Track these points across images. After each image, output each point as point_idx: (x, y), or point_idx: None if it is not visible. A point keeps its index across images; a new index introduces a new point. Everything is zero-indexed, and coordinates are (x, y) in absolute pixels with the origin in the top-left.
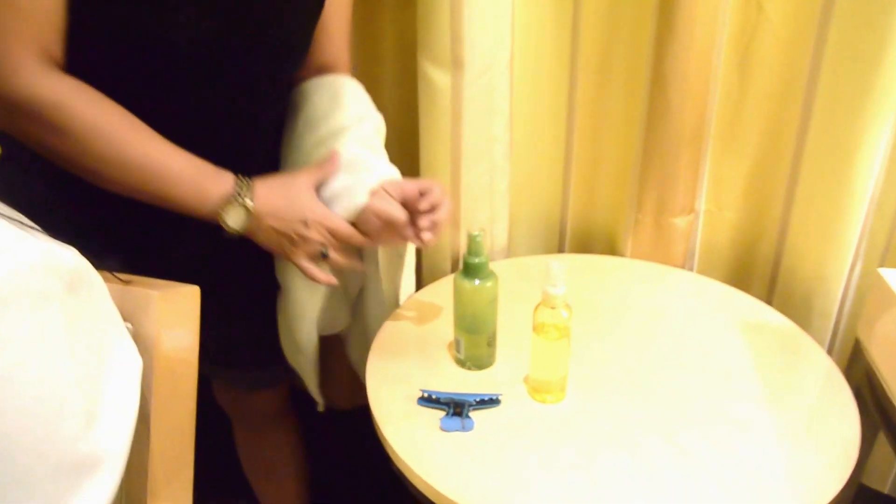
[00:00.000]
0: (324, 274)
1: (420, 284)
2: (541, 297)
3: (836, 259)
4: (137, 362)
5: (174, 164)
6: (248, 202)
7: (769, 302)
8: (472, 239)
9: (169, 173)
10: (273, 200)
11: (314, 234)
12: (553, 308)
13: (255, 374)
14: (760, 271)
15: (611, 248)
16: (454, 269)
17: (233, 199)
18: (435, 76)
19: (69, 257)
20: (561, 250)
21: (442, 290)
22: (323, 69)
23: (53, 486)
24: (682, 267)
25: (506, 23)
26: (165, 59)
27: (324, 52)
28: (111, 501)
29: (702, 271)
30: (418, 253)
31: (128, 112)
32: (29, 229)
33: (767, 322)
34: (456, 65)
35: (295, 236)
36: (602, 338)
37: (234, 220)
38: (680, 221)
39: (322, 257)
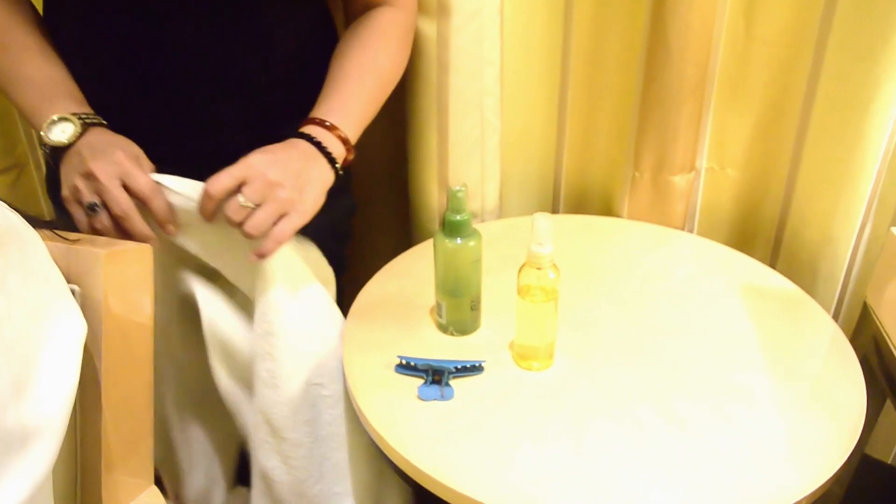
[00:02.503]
0: (86, 221)
1: (407, 246)
2: (526, 258)
3: (844, 220)
4: (81, 327)
5: (34, 73)
6: (69, 130)
7: (773, 265)
8: (452, 195)
9: (23, 82)
10: (95, 139)
11: (101, 174)
12: (539, 269)
13: None
14: (764, 233)
15: (607, 209)
16: None
17: (59, 121)
18: (421, 25)
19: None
20: (555, 210)
21: (427, 252)
22: (371, 4)
23: None
24: (682, 228)
25: None
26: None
27: None
28: (46, 476)
29: (702, 233)
30: (406, 213)
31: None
32: None
33: (771, 286)
34: (442, 10)
35: (85, 171)
36: (595, 302)
37: (54, 134)
38: (679, 180)
39: (90, 208)
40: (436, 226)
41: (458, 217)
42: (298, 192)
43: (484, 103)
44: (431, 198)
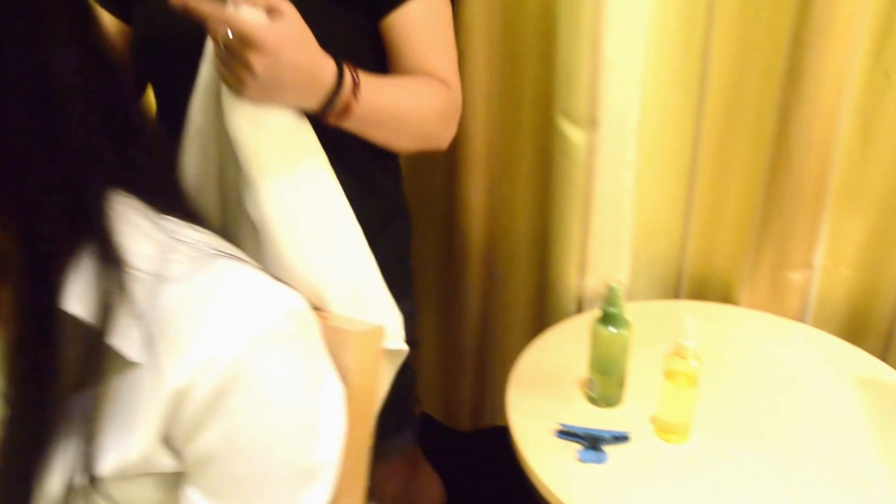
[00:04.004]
0: None
1: (544, 324)
2: (673, 347)
3: None
4: (341, 389)
5: None
6: None
7: (884, 359)
8: (611, 291)
9: None
10: None
11: None
12: (684, 358)
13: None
14: (876, 327)
15: (726, 297)
16: (578, 310)
17: None
18: (571, 133)
19: (299, 301)
20: (677, 296)
21: (569, 330)
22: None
23: (288, 489)
24: (797, 319)
25: (637, 84)
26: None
27: (403, 59)
28: None
29: (816, 325)
30: (543, 294)
31: None
32: (261, 271)
33: (882, 379)
34: (591, 123)
35: None
36: (719, 383)
37: None
38: (796, 276)
39: None
40: (572, 307)
41: (615, 310)
42: (265, 83)
43: (621, 201)
44: (570, 281)
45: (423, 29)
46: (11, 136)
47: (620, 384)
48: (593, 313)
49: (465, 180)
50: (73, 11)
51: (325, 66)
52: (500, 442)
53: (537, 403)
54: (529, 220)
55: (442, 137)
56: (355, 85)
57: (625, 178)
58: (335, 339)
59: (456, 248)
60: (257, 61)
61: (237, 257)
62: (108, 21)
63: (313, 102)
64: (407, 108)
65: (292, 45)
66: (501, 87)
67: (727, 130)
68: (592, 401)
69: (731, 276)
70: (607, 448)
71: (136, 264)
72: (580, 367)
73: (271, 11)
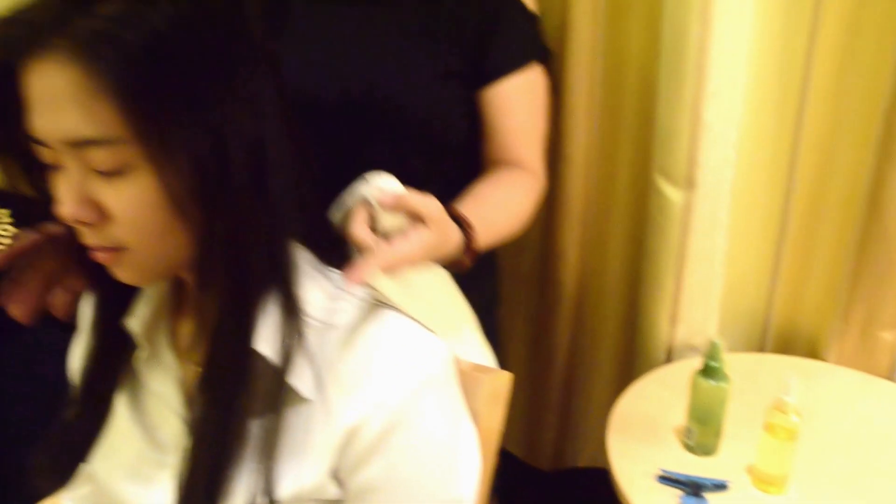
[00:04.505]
0: None
1: (632, 370)
2: (774, 402)
3: None
4: (474, 430)
5: None
6: None
7: None
8: (714, 346)
9: None
10: None
11: None
12: (785, 413)
13: None
14: None
15: (812, 352)
16: (667, 359)
17: None
18: (669, 192)
19: (448, 349)
20: (762, 349)
21: (662, 378)
22: (499, 163)
23: None
24: (887, 378)
25: (733, 147)
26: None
27: (496, 150)
28: None
29: None
30: (632, 342)
31: None
32: (413, 319)
33: None
34: (689, 183)
35: None
36: (811, 437)
37: None
38: (887, 335)
39: None
40: (661, 355)
41: (716, 364)
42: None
43: (714, 257)
44: (661, 331)
45: (518, 106)
46: (233, 194)
47: (717, 434)
48: (685, 363)
49: (560, 230)
50: (276, 86)
51: (452, 240)
52: (579, 482)
53: (636, 448)
54: (621, 271)
55: (531, 214)
56: (474, 247)
57: (718, 235)
58: (467, 383)
59: (548, 292)
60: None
61: (393, 307)
62: None
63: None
64: (512, 224)
65: (435, 253)
66: (600, 144)
67: (819, 191)
68: (689, 448)
69: (818, 332)
70: (707, 495)
71: (310, 312)
72: (675, 414)
73: (415, 219)
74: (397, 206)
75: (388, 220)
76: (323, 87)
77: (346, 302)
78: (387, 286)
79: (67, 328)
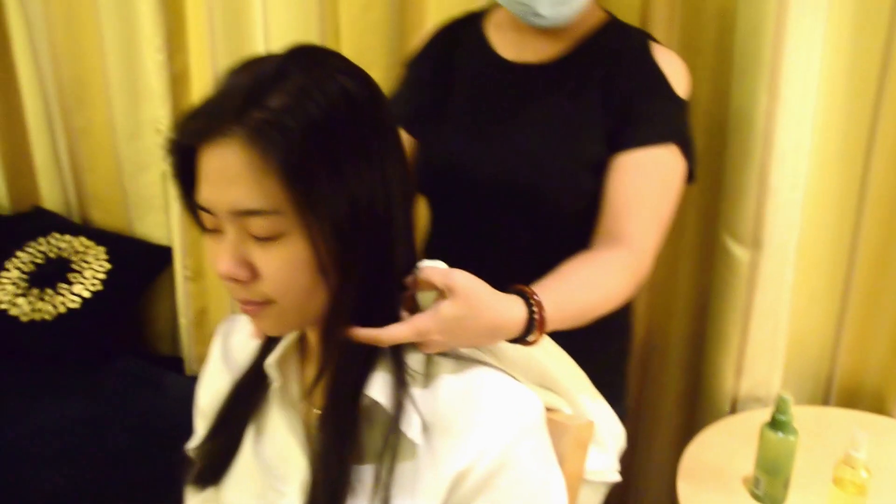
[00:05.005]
0: None
1: (695, 420)
2: (843, 457)
3: None
4: (562, 474)
5: None
6: None
7: None
8: (783, 400)
9: None
10: None
11: None
12: (854, 468)
13: None
14: None
15: (878, 407)
16: (732, 410)
17: None
18: (736, 251)
19: (539, 400)
20: (825, 402)
21: (728, 429)
22: (604, 236)
23: None
24: None
25: (798, 209)
26: (427, 176)
27: (607, 219)
28: None
29: None
30: (696, 393)
31: None
32: (505, 373)
33: None
34: (755, 243)
35: None
36: (877, 493)
37: None
38: None
39: None
40: (726, 406)
41: (784, 418)
42: (451, 345)
43: (779, 313)
44: (726, 384)
45: (637, 179)
46: (363, 256)
47: (786, 485)
48: (750, 414)
49: None
50: (402, 163)
51: (508, 317)
52: None
53: (705, 497)
54: (686, 325)
55: (626, 301)
56: (541, 323)
57: (783, 293)
58: (554, 430)
59: None
60: (434, 347)
61: (486, 363)
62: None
63: (502, 340)
64: (592, 304)
65: (457, 328)
66: None
67: (884, 249)
68: (757, 498)
69: (884, 388)
70: None
71: (410, 364)
72: (742, 464)
73: (447, 290)
74: (423, 285)
75: (423, 299)
76: (471, 168)
77: (443, 357)
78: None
79: (155, 360)
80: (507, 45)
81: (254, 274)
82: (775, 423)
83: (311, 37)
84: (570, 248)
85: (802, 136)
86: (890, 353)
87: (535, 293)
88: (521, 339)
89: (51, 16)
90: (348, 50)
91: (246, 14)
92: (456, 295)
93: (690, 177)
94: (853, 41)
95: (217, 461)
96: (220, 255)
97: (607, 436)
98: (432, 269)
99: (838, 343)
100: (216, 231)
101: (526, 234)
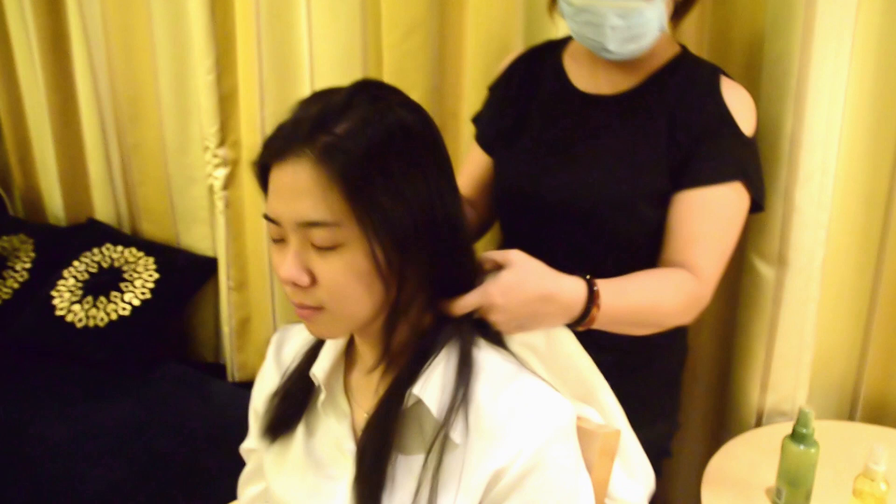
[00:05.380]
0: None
1: (723, 432)
2: (862, 469)
3: None
4: (589, 478)
5: None
6: None
7: None
8: (804, 414)
9: None
10: None
11: None
12: (874, 480)
13: None
14: None
15: None
16: (758, 423)
17: None
18: (762, 269)
19: (572, 407)
20: (852, 417)
21: (752, 441)
22: (671, 265)
23: None
24: None
25: (823, 228)
26: (499, 195)
27: (671, 250)
28: None
29: None
30: (723, 407)
31: None
32: (543, 381)
33: None
34: (781, 261)
35: None
36: None
37: None
38: None
39: None
40: (752, 419)
41: (805, 430)
42: (516, 324)
43: (804, 330)
44: (752, 398)
45: (702, 215)
46: (420, 264)
47: (807, 497)
48: (775, 427)
49: None
50: (449, 177)
51: (564, 288)
52: None
53: None
54: (715, 340)
55: (684, 322)
56: (596, 296)
57: (809, 309)
58: (583, 437)
59: None
60: (495, 316)
61: (527, 369)
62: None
63: (566, 318)
64: (648, 306)
65: (515, 290)
66: None
67: None
68: None
69: None
70: None
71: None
72: (765, 475)
73: (503, 264)
74: (485, 263)
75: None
76: (536, 191)
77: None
78: (521, 351)
79: (198, 366)
80: (582, 75)
81: (312, 280)
82: (797, 436)
83: (355, 60)
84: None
85: (828, 158)
86: None
87: (594, 280)
88: (578, 322)
89: (109, 40)
90: (389, 73)
91: (292, 38)
92: (512, 263)
93: (758, 206)
94: (878, 65)
95: (269, 461)
96: (284, 262)
97: (636, 464)
98: (492, 251)
99: (864, 360)
100: (281, 241)
101: (588, 259)
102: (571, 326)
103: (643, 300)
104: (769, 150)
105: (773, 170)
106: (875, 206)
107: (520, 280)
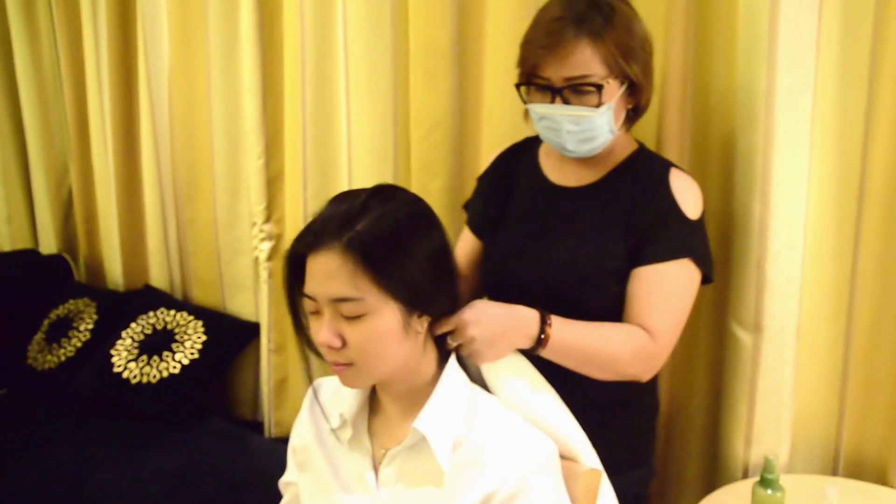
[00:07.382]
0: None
1: (713, 484)
2: None
3: None
4: None
5: None
6: None
7: None
8: (768, 461)
9: None
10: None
11: None
12: None
13: None
14: None
15: (881, 479)
16: (744, 476)
17: None
18: (741, 336)
19: (552, 443)
20: (834, 472)
21: (736, 490)
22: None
23: None
24: None
25: (795, 298)
26: (484, 274)
27: (628, 312)
28: None
29: None
30: (713, 462)
31: None
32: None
33: None
34: (756, 328)
35: None
36: None
37: None
38: None
39: None
40: (738, 472)
41: (771, 476)
42: (487, 343)
43: (782, 390)
44: (737, 451)
45: (657, 285)
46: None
47: None
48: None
49: None
50: (449, 255)
51: (521, 307)
52: None
53: None
54: (704, 399)
55: (637, 375)
56: (547, 317)
57: (785, 372)
58: (567, 475)
59: None
60: (472, 330)
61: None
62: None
63: (528, 334)
64: (594, 347)
65: (483, 307)
66: None
67: (875, 333)
68: None
69: (885, 459)
70: None
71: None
72: None
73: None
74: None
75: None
76: (515, 272)
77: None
78: (503, 390)
79: (238, 422)
80: (553, 169)
81: (343, 343)
82: (764, 482)
83: (387, 150)
84: None
85: (794, 237)
86: (888, 427)
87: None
88: (537, 342)
89: (174, 127)
90: (416, 161)
91: (333, 129)
92: (474, 303)
93: (707, 279)
94: (837, 153)
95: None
96: (320, 330)
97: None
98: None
99: (842, 419)
100: (317, 312)
101: None
102: (533, 350)
103: (592, 336)
104: (742, 229)
105: (747, 246)
106: (842, 279)
107: (485, 303)
